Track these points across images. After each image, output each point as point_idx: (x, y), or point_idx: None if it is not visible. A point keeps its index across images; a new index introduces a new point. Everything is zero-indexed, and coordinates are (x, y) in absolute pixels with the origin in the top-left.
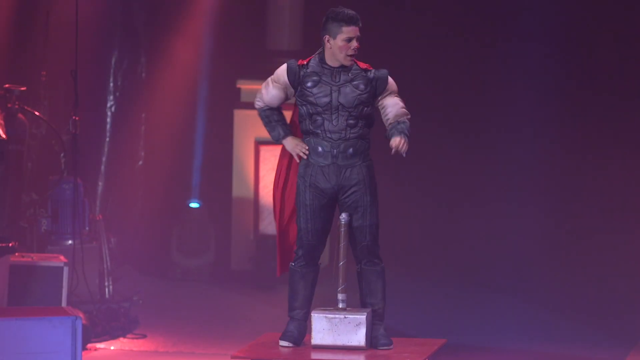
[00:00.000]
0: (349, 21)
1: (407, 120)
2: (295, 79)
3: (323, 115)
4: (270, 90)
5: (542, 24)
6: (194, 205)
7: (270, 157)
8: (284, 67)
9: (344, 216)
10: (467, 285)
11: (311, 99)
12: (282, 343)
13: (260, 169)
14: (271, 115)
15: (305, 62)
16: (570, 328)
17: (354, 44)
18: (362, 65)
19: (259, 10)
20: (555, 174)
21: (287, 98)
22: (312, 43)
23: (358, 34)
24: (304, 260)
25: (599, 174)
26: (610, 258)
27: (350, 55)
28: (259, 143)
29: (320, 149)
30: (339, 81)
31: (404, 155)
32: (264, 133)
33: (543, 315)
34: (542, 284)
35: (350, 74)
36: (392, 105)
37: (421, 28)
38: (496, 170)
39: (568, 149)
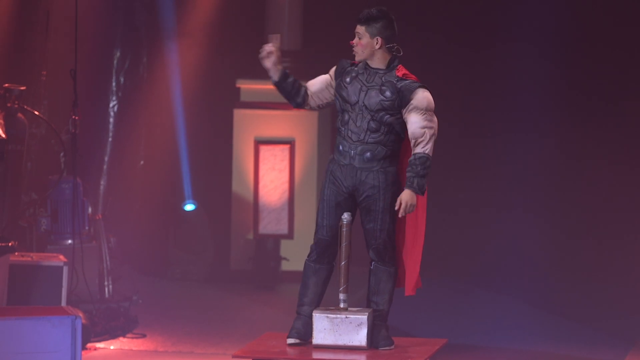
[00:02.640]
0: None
1: (423, 152)
2: (341, 72)
3: (350, 114)
4: (319, 77)
5: (541, 28)
6: (189, 207)
7: (270, 157)
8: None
9: (345, 216)
10: (468, 286)
11: (344, 93)
12: (290, 340)
13: (260, 168)
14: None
15: (356, 62)
16: (570, 328)
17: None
18: (401, 73)
19: (258, 10)
20: (557, 177)
21: (322, 88)
22: (312, 43)
23: (358, 31)
24: (316, 255)
25: (601, 178)
26: (610, 259)
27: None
28: (259, 142)
29: (341, 147)
30: (371, 83)
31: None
32: (263, 132)
33: (543, 315)
34: (543, 284)
35: (383, 79)
36: (412, 123)
37: (421, 35)
38: (499, 173)
39: (572, 153)
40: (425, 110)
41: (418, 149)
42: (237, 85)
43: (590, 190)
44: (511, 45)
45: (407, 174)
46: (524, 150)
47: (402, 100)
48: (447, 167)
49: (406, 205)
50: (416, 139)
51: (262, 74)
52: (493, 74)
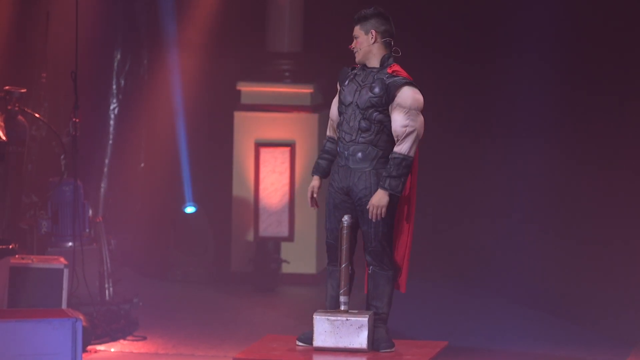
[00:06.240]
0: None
1: (398, 153)
2: (343, 78)
3: (344, 115)
4: (335, 100)
5: (542, 32)
6: (190, 210)
7: (270, 159)
8: None
9: (346, 218)
10: (469, 288)
11: (341, 96)
12: (299, 343)
13: (261, 170)
14: (324, 147)
15: (357, 66)
16: (570, 330)
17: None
18: (391, 70)
19: (259, 12)
20: (558, 181)
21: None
22: (313, 45)
23: (354, 33)
24: (329, 259)
25: (602, 180)
26: (612, 261)
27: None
28: (259, 145)
29: (339, 149)
30: (365, 82)
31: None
32: (264, 135)
33: (544, 317)
34: (543, 286)
35: (375, 76)
36: (394, 121)
37: (421, 41)
38: (500, 177)
39: (573, 156)
40: (409, 109)
41: (395, 148)
42: (238, 87)
43: (591, 193)
44: (511, 49)
45: (382, 174)
46: (525, 154)
47: (388, 96)
48: (448, 170)
49: (373, 208)
50: (397, 137)
51: (262, 76)
52: (494, 77)
